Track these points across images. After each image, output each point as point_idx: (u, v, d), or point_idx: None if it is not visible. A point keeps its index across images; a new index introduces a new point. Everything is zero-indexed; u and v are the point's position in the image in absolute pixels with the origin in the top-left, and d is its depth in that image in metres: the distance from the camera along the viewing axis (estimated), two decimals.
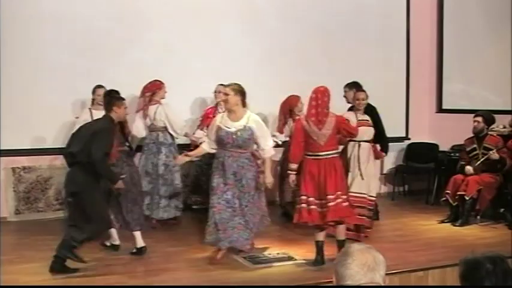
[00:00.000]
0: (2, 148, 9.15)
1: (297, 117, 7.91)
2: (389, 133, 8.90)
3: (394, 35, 11.53)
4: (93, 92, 8.78)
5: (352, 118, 8.07)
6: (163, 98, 8.84)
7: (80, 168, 6.82)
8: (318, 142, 7.06)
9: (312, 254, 7.39)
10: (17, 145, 9.24)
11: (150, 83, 8.82)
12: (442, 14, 11.78)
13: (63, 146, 8.49)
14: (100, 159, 6.70)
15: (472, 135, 9.45)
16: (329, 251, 7.18)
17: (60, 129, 9.18)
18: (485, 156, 9.19)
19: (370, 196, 8.16)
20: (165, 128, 8.81)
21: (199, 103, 9.99)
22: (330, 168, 7.06)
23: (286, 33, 10.56)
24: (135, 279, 6.67)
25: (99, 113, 8.02)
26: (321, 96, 7.14)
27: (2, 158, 9.21)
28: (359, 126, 7.89)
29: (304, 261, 7.26)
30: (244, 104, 7.18)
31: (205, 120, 9.01)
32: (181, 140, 9.15)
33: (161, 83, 8.85)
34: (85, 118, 8.35)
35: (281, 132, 9.10)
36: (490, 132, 9.45)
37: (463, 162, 9.45)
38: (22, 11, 9.20)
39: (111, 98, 7.38)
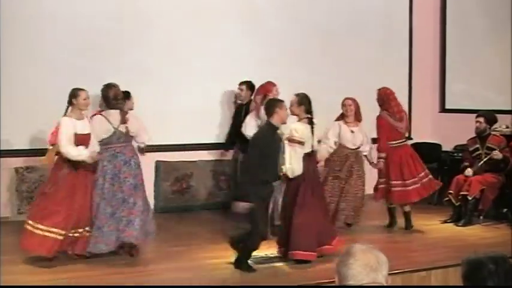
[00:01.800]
0: (5, 148, 9.16)
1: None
2: None
3: (397, 35, 11.52)
4: (76, 96, 7.56)
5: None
6: None
7: None
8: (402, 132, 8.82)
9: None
10: (19, 145, 9.26)
11: (264, 84, 8.94)
12: (444, 14, 11.77)
13: None
14: None
15: (475, 135, 9.44)
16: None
17: None
18: (488, 156, 9.18)
19: None
20: None
21: (200, 103, 9.97)
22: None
23: (287, 33, 10.55)
24: (136, 279, 6.66)
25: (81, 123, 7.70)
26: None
27: (5, 158, 9.21)
28: None
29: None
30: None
31: None
32: None
33: (272, 84, 8.86)
34: None
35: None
36: (492, 132, 9.44)
37: (466, 164, 9.43)
38: (22, 11, 9.19)
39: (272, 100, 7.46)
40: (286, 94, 9.47)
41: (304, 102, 7.32)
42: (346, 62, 10.73)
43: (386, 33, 11.34)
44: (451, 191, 9.25)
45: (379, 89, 8.81)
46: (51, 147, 7.39)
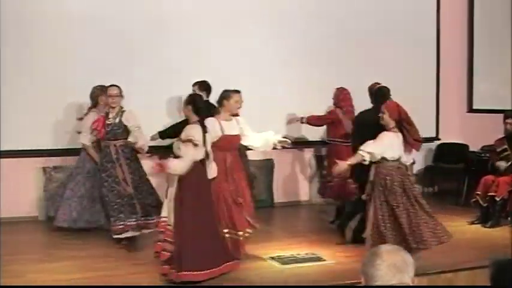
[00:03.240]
0: (32, 148, 9.27)
1: None
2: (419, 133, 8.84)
3: (424, 35, 11.42)
4: (228, 97, 7.37)
5: None
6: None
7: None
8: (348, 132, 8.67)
9: (340, 255, 7.41)
10: (47, 145, 9.35)
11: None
12: (472, 13, 11.69)
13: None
14: None
15: (503, 135, 9.36)
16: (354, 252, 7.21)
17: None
18: None
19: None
20: None
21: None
22: None
23: (315, 34, 10.50)
24: (161, 278, 6.68)
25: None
26: None
27: (32, 158, 9.32)
28: None
29: (332, 262, 7.26)
30: None
31: None
32: None
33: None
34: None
35: None
36: None
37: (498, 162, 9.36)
38: (51, 10, 9.30)
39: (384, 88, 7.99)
40: (314, 94, 9.54)
41: (190, 102, 6.82)
42: (374, 63, 10.64)
43: (413, 33, 11.25)
44: (478, 192, 9.18)
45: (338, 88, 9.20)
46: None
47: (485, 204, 9.10)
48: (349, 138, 8.59)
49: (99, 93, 8.46)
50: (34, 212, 9.37)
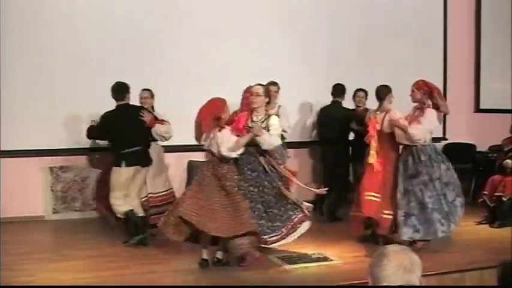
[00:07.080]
0: (41, 148, 9.29)
1: None
2: None
3: (432, 34, 11.42)
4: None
5: None
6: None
7: None
8: None
9: (347, 255, 7.40)
10: (54, 145, 9.35)
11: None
12: (479, 12, 11.66)
13: (99, 146, 8.65)
14: None
15: (510, 134, 9.34)
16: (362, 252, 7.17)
17: None
18: None
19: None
20: None
21: (237, 103, 9.95)
22: None
23: (324, 32, 10.54)
24: (169, 278, 6.68)
25: None
26: None
27: (40, 157, 9.34)
28: None
29: (339, 262, 7.24)
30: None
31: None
32: None
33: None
34: None
35: None
36: None
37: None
38: (61, 10, 9.34)
39: None
40: (322, 94, 9.53)
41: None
42: (382, 62, 10.65)
43: (421, 32, 11.26)
44: (485, 192, 9.15)
45: None
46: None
47: (492, 204, 9.08)
48: None
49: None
50: (41, 211, 9.39)
